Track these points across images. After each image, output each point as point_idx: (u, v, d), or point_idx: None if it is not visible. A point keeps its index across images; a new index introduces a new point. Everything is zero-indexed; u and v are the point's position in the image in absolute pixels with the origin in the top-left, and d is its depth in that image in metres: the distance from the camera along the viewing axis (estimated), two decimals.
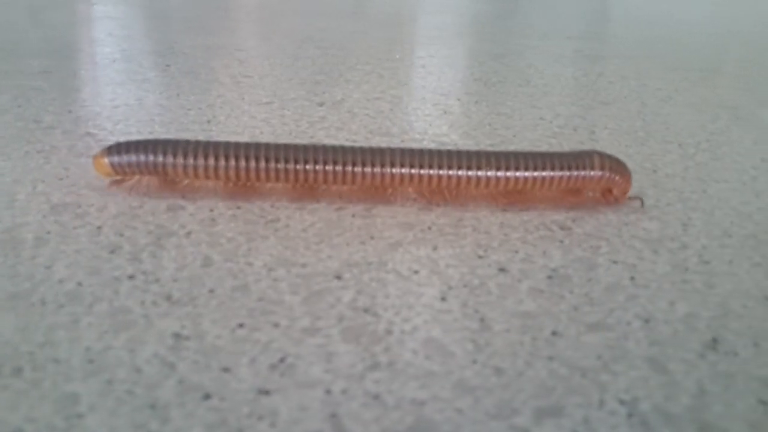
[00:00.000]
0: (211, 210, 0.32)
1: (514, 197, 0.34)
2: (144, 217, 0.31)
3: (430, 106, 0.51)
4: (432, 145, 0.42)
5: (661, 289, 0.27)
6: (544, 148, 0.43)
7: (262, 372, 0.21)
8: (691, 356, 0.23)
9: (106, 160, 0.32)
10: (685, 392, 0.21)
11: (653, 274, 0.28)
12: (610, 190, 0.34)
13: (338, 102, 0.51)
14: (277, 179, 0.32)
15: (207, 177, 0.32)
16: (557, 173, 0.32)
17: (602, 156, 0.33)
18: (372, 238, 0.30)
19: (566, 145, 0.43)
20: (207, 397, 0.20)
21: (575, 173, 0.32)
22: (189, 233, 0.30)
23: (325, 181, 0.32)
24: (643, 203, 0.34)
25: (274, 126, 0.44)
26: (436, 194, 0.33)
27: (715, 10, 1.22)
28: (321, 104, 0.50)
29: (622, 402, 0.20)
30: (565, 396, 0.21)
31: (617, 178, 0.33)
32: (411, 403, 0.20)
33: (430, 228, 0.31)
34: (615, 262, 0.29)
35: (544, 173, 0.32)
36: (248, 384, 0.21)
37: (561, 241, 0.30)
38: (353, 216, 0.32)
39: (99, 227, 0.30)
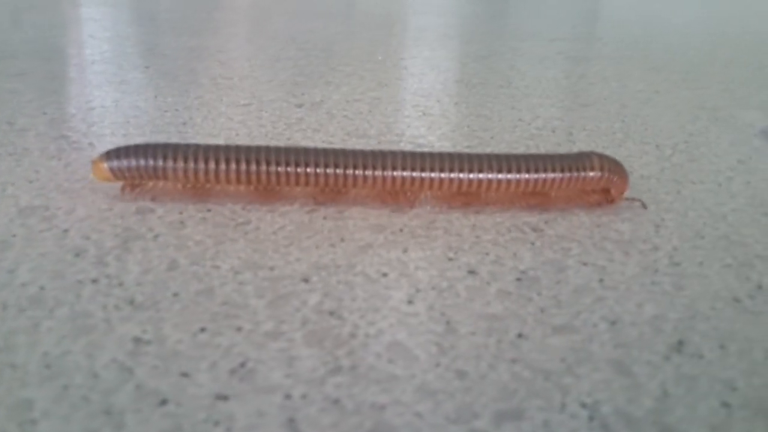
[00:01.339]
0: (181, 213, 0.31)
1: (515, 199, 0.34)
2: (112, 220, 0.31)
3: (410, 108, 0.51)
4: (409, 147, 0.42)
5: (630, 291, 0.27)
6: (521, 149, 0.43)
7: (222, 377, 0.21)
8: (656, 358, 0.23)
9: (105, 165, 0.32)
10: (648, 395, 0.21)
11: (622, 276, 0.28)
12: (607, 191, 0.34)
13: (317, 104, 0.50)
14: (278, 182, 0.32)
15: (207, 180, 0.32)
16: (557, 175, 0.32)
17: (601, 157, 0.33)
18: (342, 240, 0.30)
19: (543, 147, 0.43)
20: (163, 402, 0.20)
21: (574, 174, 0.33)
22: (156, 236, 0.29)
23: (327, 184, 0.32)
24: (644, 205, 0.34)
25: (251, 128, 0.44)
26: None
27: (704, 12, 1.22)
28: (300, 106, 0.50)
29: (583, 405, 0.20)
30: (527, 399, 0.20)
31: (615, 178, 0.33)
32: (371, 408, 0.20)
33: (401, 230, 0.31)
34: (585, 264, 0.29)
35: (543, 175, 0.32)
36: (206, 389, 0.20)
37: (532, 243, 0.30)
38: (325, 218, 0.32)
39: (66, 230, 0.30)
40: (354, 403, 0.20)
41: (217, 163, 0.31)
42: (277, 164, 0.31)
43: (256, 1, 1.15)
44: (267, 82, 0.56)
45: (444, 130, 0.46)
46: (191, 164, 0.31)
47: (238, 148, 0.32)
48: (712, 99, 0.57)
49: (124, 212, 0.31)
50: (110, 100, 0.49)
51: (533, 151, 0.42)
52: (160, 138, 0.41)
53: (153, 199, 0.33)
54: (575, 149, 0.43)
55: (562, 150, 0.43)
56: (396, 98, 0.53)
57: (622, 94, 0.58)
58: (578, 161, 0.33)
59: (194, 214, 0.31)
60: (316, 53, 0.69)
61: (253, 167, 0.31)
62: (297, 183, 0.32)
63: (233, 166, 0.31)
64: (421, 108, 0.51)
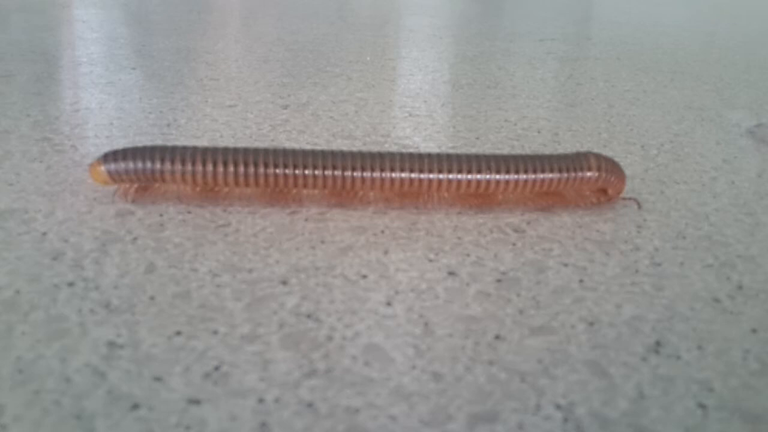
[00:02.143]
0: (161, 215, 0.31)
1: (512, 200, 0.34)
2: (91, 223, 0.30)
3: (396, 109, 0.51)
4: (393, 148, 0.42)
5: (609, 291, 0.27)
6: (506, 150, 0.43)
7: (195, 381, 0.21)
8: (633, 360, 0.23)
9: (102, 168, 0.32)
10: (624, 396, 0.21)
11: (603, 277, 0.28)
12: (604, 191, 0.34)
13: (303, 105, 0.50)
14: (276, 184, 0.32)
15: (205, 183, 0.32)
16: (554, 175, 0.32)
17: (597, 157, 0.33)
18: (323, 242, 0.30)
19: (529, 148, 0.43)
20: (135, 407, 0.20)
21: (572, 174, 0.32)
22: (135, 239, 0.29)
23: (321, 186, 0.32)
24: (639, 205, 0.34)
25: (235, 129, 0.44)
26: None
27: (695, 13, 1.23)
28: (285, 107, 0.50)
29: (558, 407, 0.20)
30: (502, 401, 0.20)
31: (612, 178, 0.33)
32: (344, 411, 0.20)
33: (383, 231, 0.31)
34: (565, 265, 0.28)
35: (541, 175, 0.32)
36: (179, 393, 0.20)
37: (513, 244, 0.30)
38: (306, 220, 0.32)
39: (44, 233, 0.29)
40: (328, 407, 0.20)
41: (215, 165, 0.31)
42: (277, 167, 0.31)
43: (246, 2, 1.15)
44: (254, 84, 0.56)
45: (430, 131, 0.46)
46: (189, 167, 0.31)
47: (236, 150, 0.32)
48: (699, 99, 0.58)
49: (103, 215, 0.31)
50: (95, 102, 0.49)
51: (518, 151, 0.42)
52: (144, 140, 0.41)
53: (134, 202, 0.32)
54: (560, 150, 0.43)
55: (548, 150, 0.43)
56: (383, 99, 0.53)
57: (609, 94, 0.58)
58: (575, 161, 0.33)
59: (174, 216, 0.31)
60: (305, 54, 0.69)
61: (251, 170, 0.31)
62: (301, 185, 0.32)
63: (231, 168, 0.31)
64: (408, 109, 0.51)
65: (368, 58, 0.68)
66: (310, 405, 0.20)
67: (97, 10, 0.97)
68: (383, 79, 0.60)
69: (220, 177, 0.31)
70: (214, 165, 0.31)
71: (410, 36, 0.87)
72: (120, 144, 0.40)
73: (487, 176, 0.32)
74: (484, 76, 0.62)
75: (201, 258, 0.28)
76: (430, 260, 0.29)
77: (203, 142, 0.41)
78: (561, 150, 0.43)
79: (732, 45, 0.87)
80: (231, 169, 0.31)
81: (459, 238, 0.31)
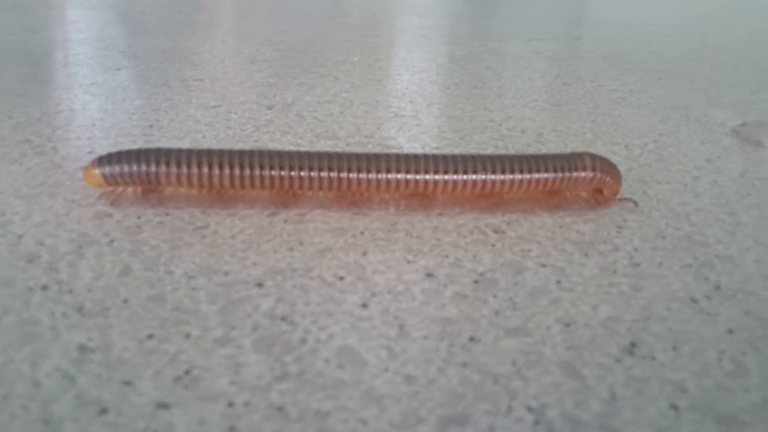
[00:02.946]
0: (139, 217, 0.31)
1: (508, 200, 0.34)
2: (68, 225, 0.30)
3: (381, 109, 0.51)
4: (377, 149, 0.42)
5: (587, 292, 0.27)
6: (490, 150, 0.42)
7: (165, 385, 0.21)
8: (607, 361, 0.23)
9: (97, 171, 0.31)
10: (597, 398, 0.21)
11: (580, 278, 0.28)
12: (600, 191, 0.34)
13: (288, 105, 0.50)
14: (272, 186, 0.32)
15: (201, 186, 0.32)
16: (549, 175, 0.32)
17: (593, 157, 0.33)
18: (301, 244, 0.30)
19: (513, 148, 0.43)
20: (104, 411, 0.19)
21: (567, 174, 0.32)
22: (112, 241, 0.29)
23: (316, 187, 0.32)
24: (636, 204, 0.34)
25: (218, 130, 0.44)
26: (418, 198, 0.33)
27: (687, 13, 1.23)
28: (270, 107, 0.49)
29: (530, 409, 0.20)
30: (474, 403, 0.20)
31: (608, 178, 0.33)
32: (314, 415, 0.20)
33: (362, 233, 0.31)
34: (544, 266, 0.28)
35: (537, 175, 0.32)
36: (148, 398, 0.20)
37: (493, 245, 0.30)
38: (285, 222, 0.31)
39: (20, 236, 0.29)
40: (298, 410, 0.20)
41: (210, 167, 0.31)
42: (282, 169, 0.31)
43: (238, 2, 1.15)
44: (239, 84, 0.56)
45: (414, 131, 0.46)
46: (185, 169, 0.31)
47: (233, 153, 0.31)
48: (685, 98, 0.58)
49: (81, 217, 0.31)
50: (78, 103, 0.49)
51: (502, 152, 0.42)
52: (125, 141, 0.41)
53: (112, 203, 0.32)
54: (544, 150, 0.43)
55: (532, 151, 0.43)
56: (369, 100, 0.53)
57: (595, 93, 0.58)
58: (570, 161, 0.33)
59: (152, 219, 0.31)
60: (291, 55, 0.69)
61: (248, 172, 0.31)
62: (307, 188, 0.32)
63: (226, 170, 0.31)
64: (393, 109, 0.51)
65: (356, 59, 0.68)
66: (280, 409, 0.20)
67: (86, 10, 0.97)
68: (370, 80, 0.60)
69: (216, 180, 0.31)
70: (210, 167, 0.31)
71: (399, 36, 0.87)
72: (101, 145, 0.40)
73: (483, 176, 0.32)
74: (471, 76, 0.62)
75: (177, 260, 0.28)
76: (409, 261, 0.28)
77: (185, 143, 0.41)
78: (545, 150, 0.43)
79: (722, 44, 0.87)
80: (227, 171, 0.31)
81: (438, 239, 0.30)
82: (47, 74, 0.57)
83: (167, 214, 0.32)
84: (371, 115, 0.49)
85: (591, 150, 0.43)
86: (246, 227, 0.31)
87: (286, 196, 0.33)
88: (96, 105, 0.48)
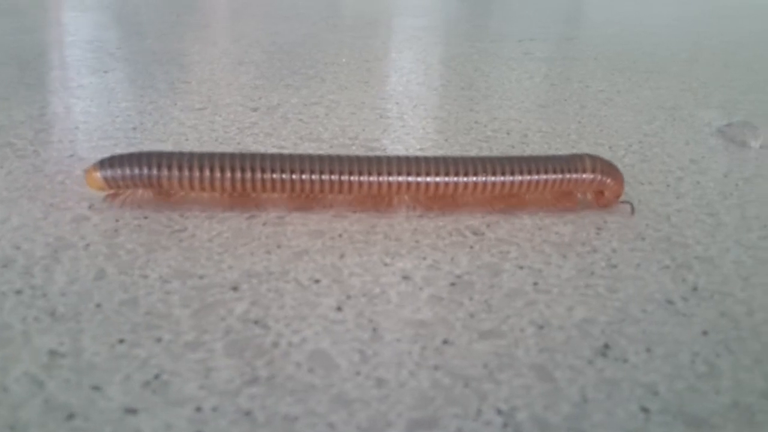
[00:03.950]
0: (117, 220, 0.31)
1: (505, 201, 0.34)
2: (45, 229, 0.30)
3: (367, 111, 0.50)
4: (361, 151, 0.42)
5: (563, 294, 0.26)
6: (474, 152, 0.42)
7: (134, 390, 0.20)
8: (580, 363, 0.22)
9: (98, 174, 0.31)
10: (567, 400, 0.21)
11: (557, 279, 0.28)
12: (601, 193, 0.34)
13: (273, 107, 0.50)
14: (274, 190, 0.32)
15: (202, 189, 0.31)
16: (550, 176, 0.32)
17: (594, 159, 0.33)
18: (279, 247, 0.29)
19: (497, 149, 0.43)
20: (71, 417, 0.19)
21: (567, 176, 0.32)
22: (88, 245, 0.29)
23: (325, 190, 0.32)
24: (633, 209, 0.34)
25: (201, 132, 0.44)
26: (431, 202, 0.33)
27: (682, 13, 1.23)
28: (255, 110, 0.49)
29: (499, 412, 0.20)
30: (444, 407, 0.20)
31: (609, 180, 0.33)
32: (283, 419, 0.20)
33: (340, 235, 0.31)
34: (521, 268, 0.28)
35: (537, 177, 0.32)
36: (116, 403, 0.20)
37: (471, 247, 0.30)
38: (264, 224, 0.31)
39: None
40: (266, 415, 0.20)
41: (212, 171, 0.31)
42: (285, 172, 0.31)
43: (232, 3, 1.14)
44: (226, 86, 0.56)
45: (399, 133, 0.46)
46: (186, 172, 0.31)
47: (233, 156, 0.31)
48: (672, 98, 0.58)
49: (58, 221, 0.31)
50: (62, 106, 0.49)
51: (485, 153, 0.42)
52: (108, 144, 0.41)
53: (90, 207, 0.32)
54: (528, 151, 0.43)
55: (515, 152, 0.43)
56: (355, 101, 0.53)
57: (582, 94, 0.58)
58: (569, 163, 0.33)
59: (130, 222, 0.31)
60: (280, 56, 0.69)
61: (249, 175, 0.31)
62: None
63: (228, 174, 0.31)
64: (379, 111, 0.51)
65: (344, 60, 0.68)
66: (248, 413, 0.20)
67: (79, 13, 0.97)
68: (357, 81, 0.60)
69: (217, 183, 0.31)
70: (212, 170, 0.31)
71: (391, 37, 0.87)
72: (84, 148, 0.40)
73: (484, 179, 0.32)
74: (459, 77, 0.62)
75: (152, 264, 0.28)
76: (386, 264, 0.28)
77: (168, 146, 0.41)
78: (529, 151, 0.43)
79: (714, 45, 0.87)
80: (228, 174, 0.31)
81: (417, 241, 0.30)
82: (34, 77, 0.57)
83: (146, 217, 0.31)
84: (357, 116, 0.49)
85: (575, 151, 0.43)
86: (224, 230, 0.31)
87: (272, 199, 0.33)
88: (80, 108, 0.48)
